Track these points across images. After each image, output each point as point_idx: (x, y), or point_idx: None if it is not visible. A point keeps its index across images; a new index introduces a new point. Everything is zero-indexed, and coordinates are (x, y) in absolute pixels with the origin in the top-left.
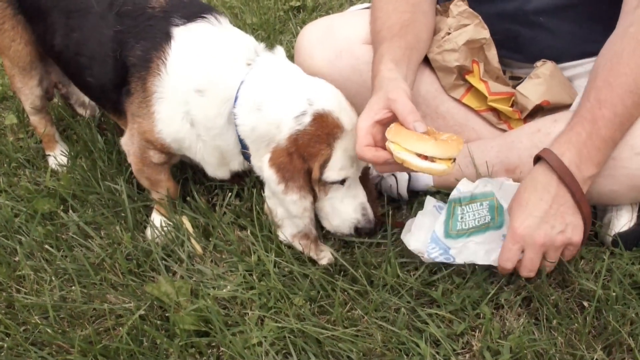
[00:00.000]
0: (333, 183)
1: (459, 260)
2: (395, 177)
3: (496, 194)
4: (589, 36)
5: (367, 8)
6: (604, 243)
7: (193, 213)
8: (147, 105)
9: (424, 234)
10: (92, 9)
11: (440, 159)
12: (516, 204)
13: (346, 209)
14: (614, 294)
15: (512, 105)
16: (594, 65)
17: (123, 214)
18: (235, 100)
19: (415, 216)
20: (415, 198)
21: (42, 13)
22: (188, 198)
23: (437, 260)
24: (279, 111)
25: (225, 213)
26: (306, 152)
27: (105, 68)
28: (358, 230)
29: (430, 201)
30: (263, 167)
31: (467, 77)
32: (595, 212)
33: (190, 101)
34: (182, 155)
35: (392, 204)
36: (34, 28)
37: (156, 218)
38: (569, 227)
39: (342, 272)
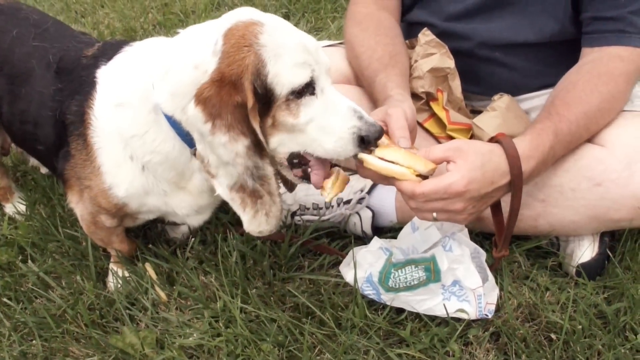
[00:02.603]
0: (298, 94)
1: (390, 304)
2: (359, 215)
3: (437, 256)
4: (545, 71)
5: (327, 46)
6: (567, 273)
7: (156, 259)
8: (91, 160)
9: (362, 272)
10: (34, 71)
11: (402, 165)
12: (470, 167)
13: (335, 120)
14: (580, 326)
15: (470, 137)
16: (551, 93)
17: (85, 262)
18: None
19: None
20: (380, 235)
21: None
22: (150, 245)
23: (370, 297)
24: (190, 55)
25: (188, 258)
26: (232, 73)
27: (47, 131)
28: (364, 140)
29: (377, 242)
30: (188, 109)
31: (431, 103)
32: (558, 243)
33: (119, 125)
34: (142, 216)
35: (357, 241)
36: None
37: (118, 267)
38: (475, 215)
39: (309, 316)
